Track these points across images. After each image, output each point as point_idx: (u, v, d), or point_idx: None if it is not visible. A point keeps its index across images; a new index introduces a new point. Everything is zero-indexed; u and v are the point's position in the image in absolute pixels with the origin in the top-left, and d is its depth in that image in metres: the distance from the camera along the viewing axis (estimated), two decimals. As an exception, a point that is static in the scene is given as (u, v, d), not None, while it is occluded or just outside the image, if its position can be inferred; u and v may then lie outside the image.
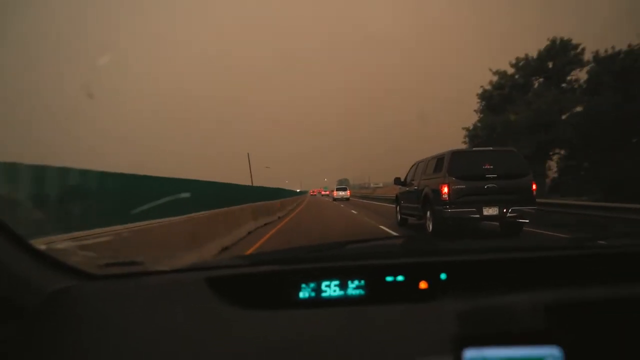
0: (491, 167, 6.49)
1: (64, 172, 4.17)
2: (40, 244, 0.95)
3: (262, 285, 1.00)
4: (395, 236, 2.25)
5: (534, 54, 22.61)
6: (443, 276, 1.00)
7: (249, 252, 6.00)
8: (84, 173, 4.54)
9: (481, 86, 24.78)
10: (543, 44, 22.32)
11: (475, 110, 25.36)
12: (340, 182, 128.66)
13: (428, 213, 7.24)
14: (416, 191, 8.09)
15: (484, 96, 24.61)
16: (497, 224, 7.47)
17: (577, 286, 0.86)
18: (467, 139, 25.40)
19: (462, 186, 6.44)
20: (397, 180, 9.87)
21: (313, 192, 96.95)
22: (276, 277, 1.01)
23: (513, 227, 6.96)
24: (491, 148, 6.89)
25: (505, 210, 6.35)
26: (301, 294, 0.98)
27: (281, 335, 0.78)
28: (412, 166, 9.25)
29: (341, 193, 35.62)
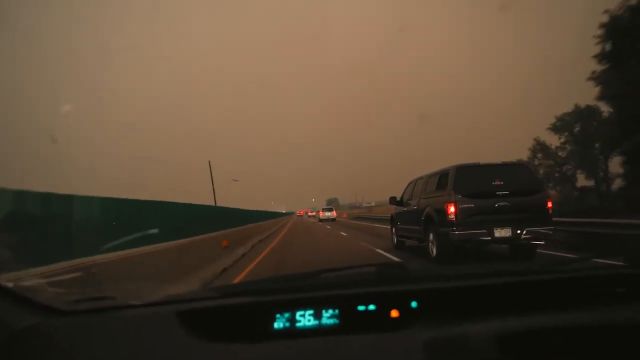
0: (501, 183, 5.90)
1: (19, 195, 3.79)
2: (6, 280, 0.99)
3: (236, 317, 1.01)
4: (369, 264, 1.61)
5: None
6: (414, 304, 1.02)
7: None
8: (45, 196, 4.11)
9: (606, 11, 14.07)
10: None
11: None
12: (329, 202, 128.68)
13: (431, 235, 6.59)
14: (416, 211, 7.48)
15: (614, 29, 13.76)
16: (506, 246, 6.83)
17: (536, 313, 0.88)
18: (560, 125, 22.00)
19: (470, 205, 5.82)
20: (392, 200, 9.28)
21: (299, 213, 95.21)
22: (250, 308, 1.03)
23: (526, 250, 6.33)
24: (499, 162, 6.29)
25: (519, 232, 5.72)
26: (276, 325, 0.99)
27: None
28: (409, 184, 8.69)
29: (327, 214, 35.71)
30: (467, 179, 5.99)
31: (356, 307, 1.02)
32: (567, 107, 22.85)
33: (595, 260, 1.44)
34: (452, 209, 5.80)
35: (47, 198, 4.23)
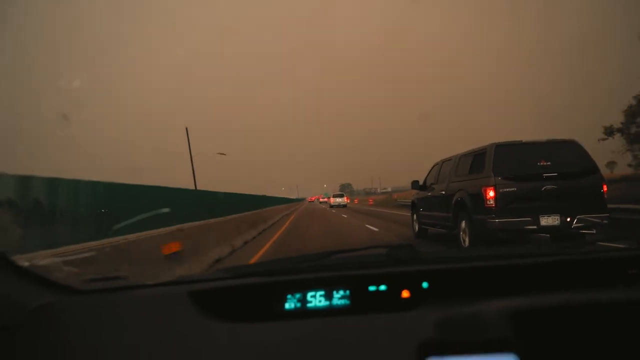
0: (548, 163, 5.18)
1: (39, 181, 3.99)
2: (22, 260, 0.99)
3: (247, 297, 1.04)
4: (380, 245, 1.49)
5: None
6: (425, 285, 1.05)
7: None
8: (57, 182, 4.29)
9: None
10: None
11: None
12: (342, 187, 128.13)
13: (463, 223, 5.96)
14: (443, 197, 6.83)
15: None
16: (547, 235, 6.11)
17: (543, 292, 0.87)
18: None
19: (512, 188, 5.14)
20: (414, 184, 8.62)
21: (311, 199, 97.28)
22: (261, 289, 1.05)
23: (572, 239, 5.58)
24: (545, 139, 5.51)
25: (569, 220, 5.04)
26: (287, 305, 1.02)
27: (267, 347, 0.79)
28: (434, 167, 8.03)
29: (338, 200, 35.09)
30: (509, 159, 5.28)
31: (367, 288, 1.04)
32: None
33: (607, 243, 1.47)
34: (491, 193, 5.14)
35: (55, 183, 4.35)
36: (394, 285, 1.04)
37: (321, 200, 76.72)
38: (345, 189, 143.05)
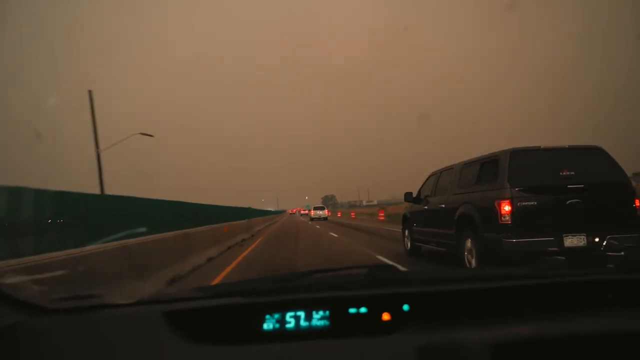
0: (572, 173, 4.49)
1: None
2: None
3: (224, 318, 1.02)
4: (362, 265, 1.38)
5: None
6: (405, 307, 1.03)
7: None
8: (21, 191, 4.29)
9: None
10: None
11: None
12: (325, 199, 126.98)
13: (468, 242, 5.21)
14: (443, 211, 6.13)
15: None
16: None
17: (524, 319, 0.92)
18: None
19: (532, 202, 4.42)
20: (407, 197, 7.93)
21: (292, 211, 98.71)
22: (239, 309, 1.04)
23: (593, 262, 4.80)
24: (566, 145, 4.85)
25: (597, 240, 4.34)
26: (265, 326, 1.00)
27: None
28: (430, 177, 7.39)
29: (319, 212, 35.05)
30: (526, 168, 4.58)
31: (347, 310, 1.03)
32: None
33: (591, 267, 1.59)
34: (506, 207, 4.39)
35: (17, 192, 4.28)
36: (374, 308, 1.04)
37: (302, 212, 77.92)
38: (328, 202, 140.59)
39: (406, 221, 8.37)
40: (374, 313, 1.02)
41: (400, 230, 8.81)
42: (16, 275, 2.51)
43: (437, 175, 7.00)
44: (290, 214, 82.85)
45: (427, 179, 7.59)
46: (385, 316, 1.02)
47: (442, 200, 6.27)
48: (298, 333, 1.00)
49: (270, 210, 50.01)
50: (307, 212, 67.13)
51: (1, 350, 0.83)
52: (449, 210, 5.88)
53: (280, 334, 0.99)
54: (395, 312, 1.02)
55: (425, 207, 7.06)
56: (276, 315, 1.01)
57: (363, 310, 1.03)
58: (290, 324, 1.01)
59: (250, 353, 0.85)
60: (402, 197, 8.32)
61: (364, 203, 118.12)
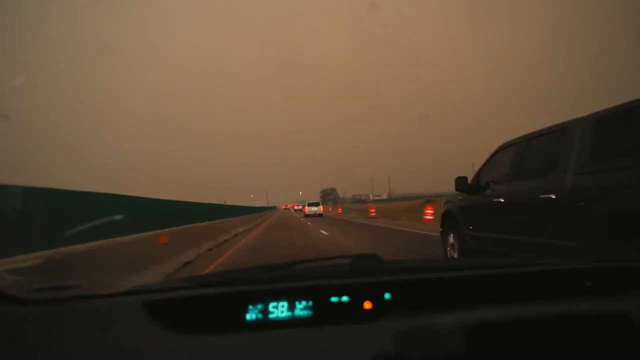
0: None
1: None
2: None
3: (206, 308, 1.08)
4: (346, 255, 1.29)
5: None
6: (387, 296, 1.10)
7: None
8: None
9: None
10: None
11: None
12: (325, 193, 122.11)
13: None
14: (551, 203, 3.48)
15: None
16: None
17: (504, 305, 0.97)
18: None
19: None
20: (461, 184, 5.17)
21: (286, 206, 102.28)
22: (222, 299, 1.09)
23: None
24: None
25: None
26: (248, 316, 1.05)
27: (225, 359, 0.85)
28: (502, 150, 4.78)
29: (313, 209, 34.44)
30: None
31: (329, 299, 1.09)
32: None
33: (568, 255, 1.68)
34: None
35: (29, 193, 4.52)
36: (356, 296, 1.09)
37: (296, 207, 79.67)
38: (328, 196, 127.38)
39: (452, 221, 5.68)
40: (356, 302, 1.08)
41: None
42: None
43: (519, 147, 4.31)
44: (284, 208, 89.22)
45: (494, 155, 4.93)
46: (367, 305, 1.08)
47: (546, 185, 3.59)
48: (281, 323, 1.04)
49: (256, 207, 42.95)
50: (300, 207, 67.26)
51: None
52: (570, 201, 3.23)
53: (263, 324, 1.04)
54: (377, 300, 1.09)
55: (500, 199, 4.37)
56: (259, 306, 1.06)
57: (345, 299, 1.09)
58: (273, 314, 1.06)
59: (233, 342, 0.89)
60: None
61: (371, 197, 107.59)
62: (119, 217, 6.62)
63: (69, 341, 0.88)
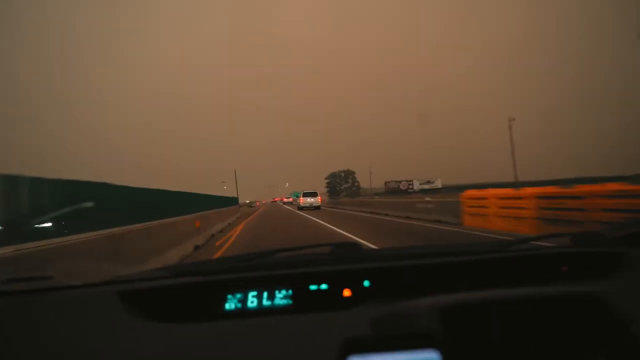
0: None
1: None
2: None
3: (184, 297, 1.08)
4: (326, 244, 1.34)
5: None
6: (366, 283, 1.13)
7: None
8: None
9: None
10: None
11: None
12: (333, 179, 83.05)
13: None
14: None
15: None
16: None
17: (481, 288, 0.96)
18: None
19: None
20: None
21: (274, 200, 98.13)
22: (200, 289, 1.10)
23: None
24: None
25: None
26: (227, 306, 1.07)
27: (204, 348, 0.83)
28: None
29: (310, 200, 31.56)
30: None
31: (308, 287, 1.11)
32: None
33: (542, 241, 1.62)
34: None
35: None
36: (335, 284, 1.12)
37: (285, 200, 76.17)
38: (341, 182, 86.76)
39: None
40: (335, 289, 1.11)
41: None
42: None
43: None
44: (272, 202, 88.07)
45: None
46: (346, 292, 1.12)
47: None
48: (260, 312, 1.06)
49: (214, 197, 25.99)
50: (290, 199, 67.71)
51: None
52: None
53: (242, 313, 1.06)
54: (356, 287, 1.12)
55: None
56: (238, 295, 1.07)
57: (324, 287, 1.11)
58: (253, 303, 1.07)
59: (212, 329, 0.90)
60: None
61: (417, 186, 78.49)
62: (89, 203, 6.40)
63: (42, 333, 0.88)
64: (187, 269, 1.24)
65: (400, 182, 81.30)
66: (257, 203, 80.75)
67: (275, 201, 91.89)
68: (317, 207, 31.18)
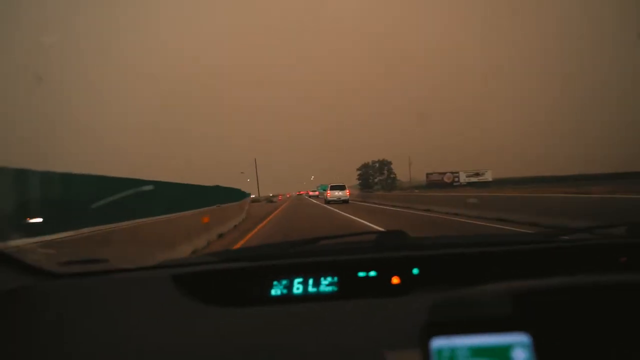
0: None
1: (26, 174, 4.44)
2: None
3: (233, 282, 1.13)
4: (369, 232, 1.62)
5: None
6: (415, 271, 1.15)
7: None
8: (47, 175, 4.84)
9: None
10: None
11: None
12: (365, 171, 76.02)
13: None
14: None
15: None
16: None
17: (544, 277, 0.93)
18: None
19: None
20: None
21: (299, 193, 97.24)
22: (247, 274, 1.15)
23: None
24: None
25: None
26: (273, 291, 1.11)
27: (251, 332, 0.86)
28: None
29: (337, 193, 30.51)
30: None
31: (356, 274, 1.13)
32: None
33: (599, 230, 1.54)
34: None
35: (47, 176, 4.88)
36: (383, 272, 1.13)
37: (310, 194, 74.98)
38: (374, 174, 78.46)
39: None
40: (383, 277, 1.13)
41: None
42: (21, 238, 2.57)
43: None
44: (298, 195, 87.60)
45: None
46: (395, 280, 1.13)
47: None
48: (306, 298, 1.10)
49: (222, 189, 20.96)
50: (316, 193, 65.97)
51: (6, 315, 0.89)
52: None
53: (288, 298, 1.10)
54: (405, 275, 1.13)
55: None
56: (284, 281, 1.11)
57: (372, 274, 1.13)
58: (299, 289, 1.11)
59: (259, 314, 0.93)
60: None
61: (464, 179, 69.89)
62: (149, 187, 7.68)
63: (96, 313, 0.92)
64: (236, 255, 1.32)
65: (444, 174, 72.42)
66: (280, 197, 66.42)
67: (301, 194, 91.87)
68: (346, 201, 30.29)
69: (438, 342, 0.71)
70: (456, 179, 71.26)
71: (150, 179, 8.85)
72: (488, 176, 70.48)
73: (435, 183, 70.12)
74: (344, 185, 31.67)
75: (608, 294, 0.82)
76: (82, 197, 5.56)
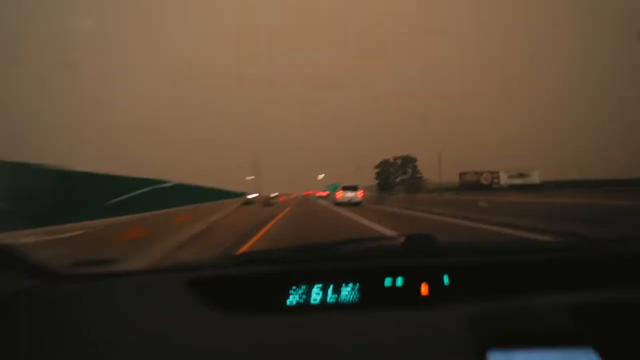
0: None
1: (33, 169, 4.91)
2: (4, 239, 1.25)
3: (249, 287, 1.09)
4: (393, 236, 2.28)
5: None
6: (446, 279, 1.08)
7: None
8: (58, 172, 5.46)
9: None
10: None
11: None
12: (385, 168, 63.77)
13: None
14: None
15: None
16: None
17: (596, 288, 0.93)
18: None
19: None
20: None
21: (305, 193, 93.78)
22: (264, 279, 1.11)
23: None
24: None
25: None
26: (290, 298, 1.06)
27: (268, 342, 0.83)
28: None
29: (349, 194, 28.56)
30: None
31: (380, 281, 1.07)
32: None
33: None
34: None
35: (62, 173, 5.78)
36: (411, 279, 1.06)
37: (317, 195, 72.49)
38: (396, 173, 64.63)
39: None
40: (411, 285, 1.06)
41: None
42: (28, 239, 2.54)
43: None
44: (305, 195, 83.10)
45: None
46: (424, 288, 1.06)
47: None
48: (325, 307, 1.04)
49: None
50: (326, 194, 58.57)
51: (10, 319, 0.86)
52: None
53: (306, 307, 1.05)
54: (435, 284, 1.06)
55: None
56: (302, 287, 1.06)
57: (399, 282, 1.06)
58: (318, 296, 1.06)
59: (276, 323, 0.89)
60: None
61: (504, 180, 59.93)
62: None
63: (107, 320, 0.90)
64: (251, 258, 1.26)
65: (481, 173, 61.44)
66: (282, 198, 56.01)
67: (307, 195, 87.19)
68: (357, 203, 28.30)
69: (495, 356, 0.70)
70: (495, 180, 62.34)
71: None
72: (535, 178, 60.65)
73: (470, 184, 60.24)
74: (357, 186, 29.56)
75: None
76: (80, 193, 5.95)
